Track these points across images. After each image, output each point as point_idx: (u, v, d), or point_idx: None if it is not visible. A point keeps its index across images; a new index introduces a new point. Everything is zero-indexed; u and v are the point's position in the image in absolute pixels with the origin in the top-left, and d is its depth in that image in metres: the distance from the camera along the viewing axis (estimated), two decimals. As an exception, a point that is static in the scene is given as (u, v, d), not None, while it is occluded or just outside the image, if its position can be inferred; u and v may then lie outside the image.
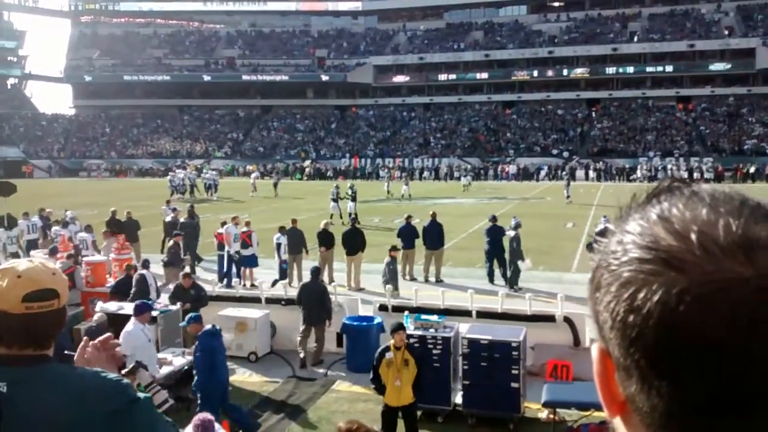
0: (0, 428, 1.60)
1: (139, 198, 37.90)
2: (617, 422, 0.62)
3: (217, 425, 5.43)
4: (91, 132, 78.00)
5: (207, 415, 5.20)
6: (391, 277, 13.80)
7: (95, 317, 9.79)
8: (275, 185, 41.62)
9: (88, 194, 40.24)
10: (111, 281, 12.73)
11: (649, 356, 0.54)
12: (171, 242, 14.96)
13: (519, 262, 15.17)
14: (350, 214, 24.37)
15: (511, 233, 15.47)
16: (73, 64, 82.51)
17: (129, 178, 64.35)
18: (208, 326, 7.97)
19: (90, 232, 16.57)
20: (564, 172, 46.20)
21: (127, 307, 10.44)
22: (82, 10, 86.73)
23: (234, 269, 15.80)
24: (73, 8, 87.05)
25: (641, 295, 0.54)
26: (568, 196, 35.56)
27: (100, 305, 10.34)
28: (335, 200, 25.67)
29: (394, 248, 14.55)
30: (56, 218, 18.87)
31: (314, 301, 10.65)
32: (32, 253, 15.39)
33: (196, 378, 7.66)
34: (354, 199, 25.83)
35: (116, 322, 9.98)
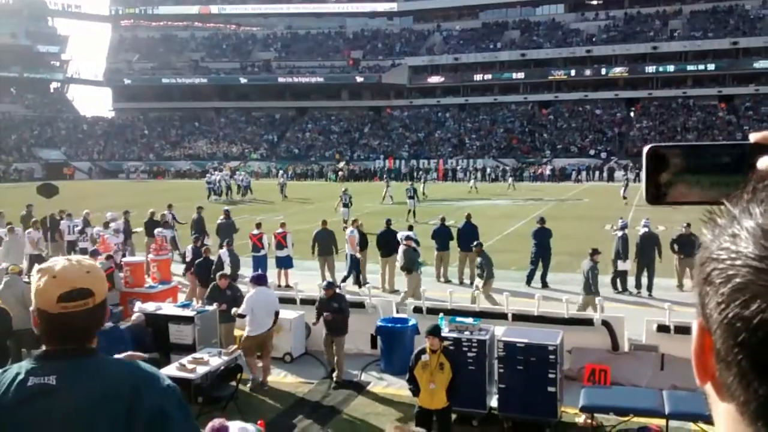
0: (52, 417, 1.68)
1: (176, 199, 38.45)
2: (708, 388, 0.63)
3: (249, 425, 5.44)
4: (130, 134, 79.49)
5: (223, 421, 5.23)
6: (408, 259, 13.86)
7: (134, 317, 9.93)
8: (282, 187, 41.10)
9: (127, 195, 40.96)
10: (149, 282, 12.91)
11: (752, 361, 0.54)
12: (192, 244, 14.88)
13: (620, 263, 14.91)
14: (344, 221, 24.09)
15: (618, 233, 15.22)
16: (113, 68, 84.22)
17: (166, 180, 65.35)
18: None
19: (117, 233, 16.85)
20: (623, 174, 45.15)
21: (165, 308, 10.57)
22: (122, 15, 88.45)
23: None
24: (114, 12, 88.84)
25: (754, 306, 0.53)
26: (625, 197, 34.68)
27: (138, 305, 10.48)
28: (346, 205, 25.66)
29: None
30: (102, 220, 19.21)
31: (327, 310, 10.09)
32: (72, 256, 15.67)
33: None
34: (346, 206, 25.64)
35: (154, 321, 10.13)
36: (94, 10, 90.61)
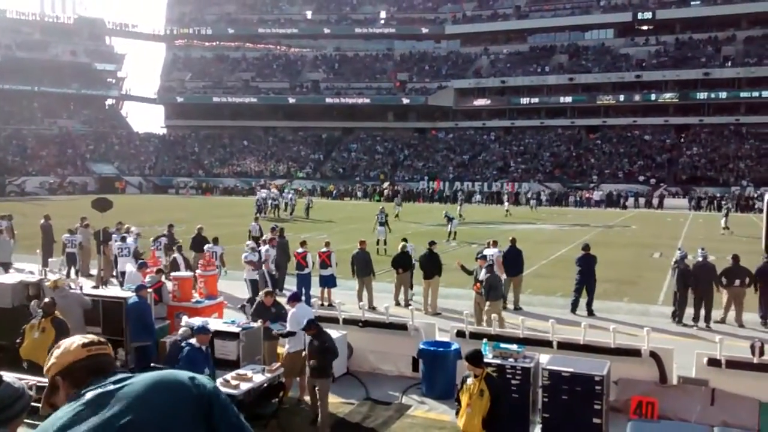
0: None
1: (223, 216, 39.15)
2: None
3: None
4: (180, 151, 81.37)
5: None
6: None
7: (180, 331, 10.09)
8: (307, 208, 41.50)
9: (176, 210, 41.80)
10: (196, 296, 13.12)
11: None
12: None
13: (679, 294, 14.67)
14: (384, 241, 24.29)
15: (674, 263, 15.07)
16: (166, 86, 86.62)
17: (214, 196, 66.56)
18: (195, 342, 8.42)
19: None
20: (724, 202, 43.84)
21: (211, 323, 10.73)
22: (176, 35, 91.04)
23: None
24: (168, 32, 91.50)
25: None
26: (727, 227, 33.45)
27: (185, 320, 10.65)
28: (382, 224, 25.67)
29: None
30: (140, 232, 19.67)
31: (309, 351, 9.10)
32: (125, 268, 16.05)
33: None
34: (383, 224, 25.59)
35: (200, 336, 10.28)
36: (150, 29, 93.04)
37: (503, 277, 15.46)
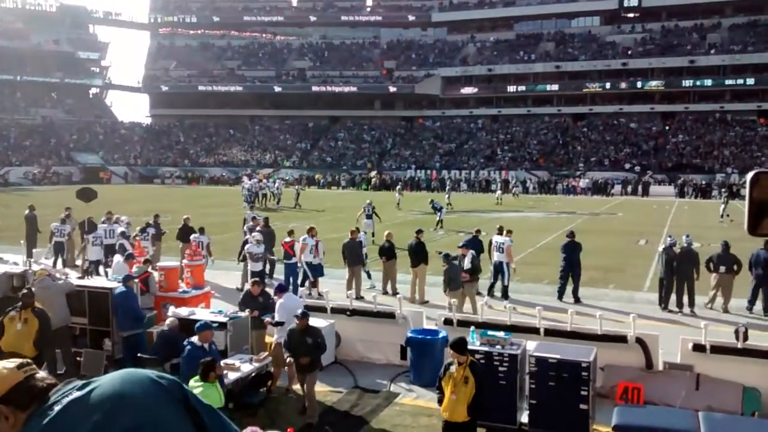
0: None
1: (210, 206, 38.97)
2: None
3: None
4: (165, 140, 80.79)
5: (256, 429, 5.23)
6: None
7: (167, 321, 10.05)
8: (297, 197, 41.29)
9: (162, 200, 41.57)
10: (183, 287, 13.06)
11: None
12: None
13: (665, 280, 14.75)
14: (372, 233, 24.02)
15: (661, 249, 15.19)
16: (150, 75, 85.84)
17: (200, 186, 66.24)
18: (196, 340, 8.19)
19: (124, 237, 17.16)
20: (724, 189, 43.21)
21: (198, 313, 10.69)
22: (161, 23, 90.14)
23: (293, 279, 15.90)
24: (152, 21, 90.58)
25: None
26: (727, 215, 33.20)
27: (172, 310, 10.61)
28: (369, 216, 25.64)
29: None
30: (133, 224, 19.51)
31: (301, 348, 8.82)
32: (112, 258, 15.93)
33: None
34: (370, 216, 25.42)
35: (188, 326, 10.24)
36: (134, 18, 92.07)
37: (513, 266, 15.56)
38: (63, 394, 1.71)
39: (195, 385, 7.00)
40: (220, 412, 1.84)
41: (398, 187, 45.91)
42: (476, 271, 14.33)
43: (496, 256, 15.63)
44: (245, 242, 16.38)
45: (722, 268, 14.52)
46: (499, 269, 15.57)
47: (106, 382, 1.70)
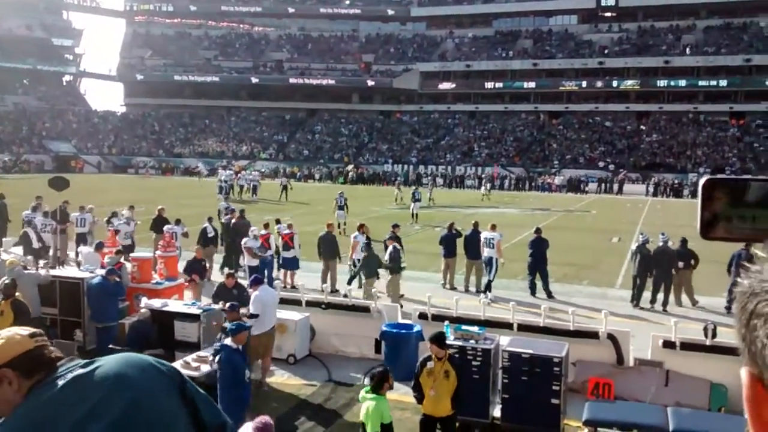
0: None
1: (186, 197, 38.59)
2: None
3: None
4: (140, 130, 79.77)
5: (268, 419, 5.19)
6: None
7: (140, 312, 9.96)
8: (284, 188, 40.90)
9: (135, 191, 41.08)
10: (156, 278, 12.94)
11: None
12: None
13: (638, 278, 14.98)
14: (343, 223, 24.18)
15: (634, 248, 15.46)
16: (125, 63, 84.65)
17: (175, 177, 65.54)
18: (230, 342, 7.86)
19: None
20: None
21: (171, 304, 10.61)
22: (137, 11, 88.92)
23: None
24: (128, 8, 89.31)
25: None
26: None
27: (144, 301, 10.51)
28: (341, 208, 25.64)
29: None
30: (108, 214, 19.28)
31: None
32: (80, 248, 15.72)
33: (219, 393, 7.49)
34: (342, 208, 25.50)
35: (160, 318, 10.16)
36: (109, 5, 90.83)
37: (501, 260, 15.65)
38: (67, 369, 1.77)
39: (367, 397, 6.55)
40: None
41: (397, 182, 45.64)
42: (395, 263, 14.38)
43: (486, 252, 15.71)
44: (204, 230, 16.50)
45: (680, 264, 14.72)
46: (488, 264, 15.70)
47: (110, 362, 1.76)
